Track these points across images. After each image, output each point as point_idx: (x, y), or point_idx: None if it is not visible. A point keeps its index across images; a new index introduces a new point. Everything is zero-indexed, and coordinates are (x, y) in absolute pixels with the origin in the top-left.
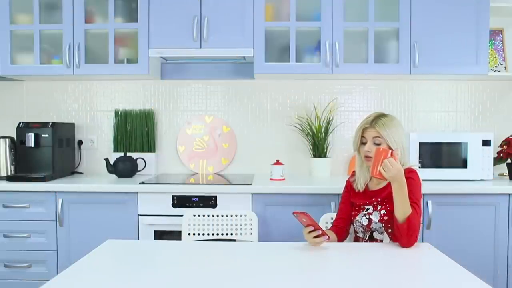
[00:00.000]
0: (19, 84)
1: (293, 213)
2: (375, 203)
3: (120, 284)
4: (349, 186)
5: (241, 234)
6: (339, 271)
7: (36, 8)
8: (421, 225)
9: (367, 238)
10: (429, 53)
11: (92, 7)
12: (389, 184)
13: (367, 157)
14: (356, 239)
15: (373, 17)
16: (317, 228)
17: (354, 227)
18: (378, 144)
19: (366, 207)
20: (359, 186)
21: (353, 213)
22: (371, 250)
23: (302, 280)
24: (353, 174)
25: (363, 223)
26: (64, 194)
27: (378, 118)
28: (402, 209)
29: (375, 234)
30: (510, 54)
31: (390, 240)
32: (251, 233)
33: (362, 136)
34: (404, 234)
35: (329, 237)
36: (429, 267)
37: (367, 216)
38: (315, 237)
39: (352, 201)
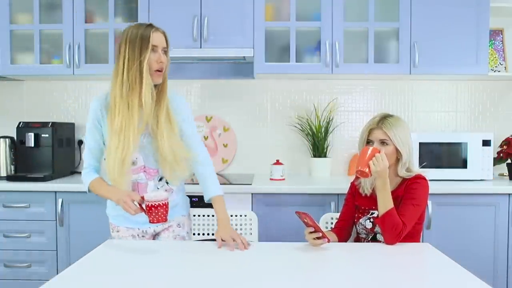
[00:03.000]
0: (19, 84)
1: (296, 212)
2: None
3: (120, 284)
4: (353, 188)
5: (241, 234)
6: (339, 271)
7: (36, 8)
8: (422, 226)
9: (369, 239)
10: (429, 53)
11: (92, 7)
12: (395, 191)
13: None
14: (358, 240)
15: (373, 17)
16: (318, 230)
17: (357, 229)
18: (386, 145)
19: (371, 211)
20: (366, 190)
21: (356, 215)
22: (371, 250)
23: (302, 280)
24: (358, 177)
25: (367, 226)
26: (64, 194)
27: (384, 118)
28: (383, 206)
29: (378, 236)
30: (510, 54)
31: None
32: (251, 233)
33: (368, 138)
34: (382, 229)
35: (329, 239)
36: (429, 267)
37: (371, 220)
38: (316, 238)
39: (356, 204)
